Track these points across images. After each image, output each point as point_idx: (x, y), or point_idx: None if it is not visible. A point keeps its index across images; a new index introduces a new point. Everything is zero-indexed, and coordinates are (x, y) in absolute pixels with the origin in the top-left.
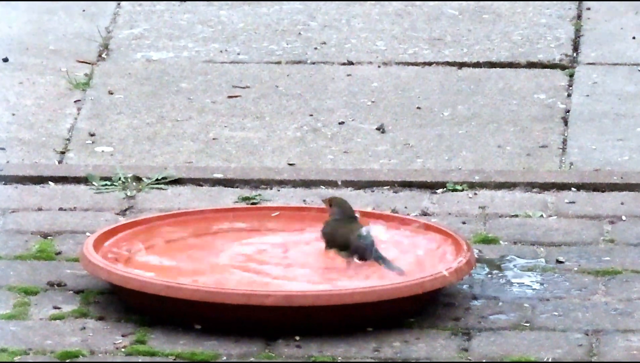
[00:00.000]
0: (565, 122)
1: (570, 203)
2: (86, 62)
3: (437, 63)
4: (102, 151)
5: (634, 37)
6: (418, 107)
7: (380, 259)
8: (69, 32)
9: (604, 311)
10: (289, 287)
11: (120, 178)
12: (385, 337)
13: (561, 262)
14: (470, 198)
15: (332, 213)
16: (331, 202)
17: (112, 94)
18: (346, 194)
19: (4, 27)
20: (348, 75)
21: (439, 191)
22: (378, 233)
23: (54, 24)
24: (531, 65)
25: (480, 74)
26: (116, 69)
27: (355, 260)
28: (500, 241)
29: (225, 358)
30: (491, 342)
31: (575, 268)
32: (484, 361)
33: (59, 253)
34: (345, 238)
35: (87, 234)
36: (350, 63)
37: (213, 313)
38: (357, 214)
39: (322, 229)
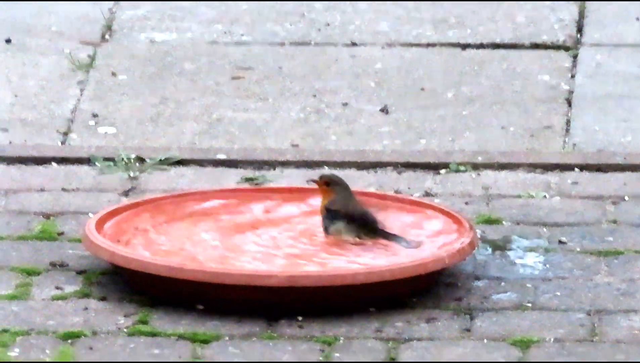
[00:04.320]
0: (569, 103)
1: (573, 183)
2: (89, 44)
3: (441, 44)
4: (105, 132)
5: (637, 18)
6: (422, 89)
7: (389, 235)
8: (72, 13)
9: (606, 292)
10: (292, 267)
11: (123, 159)
12: (388, 317)
13: (564, 242)
14: (473, 178)
15: (335, 192)
16: (329, 181)
17: (115, 75)
18: (349, 175)
19: (6, 8)
20: (352, 56)
21: (442, 171)
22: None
23: (57, 5)
24: (535, 46)
25: (484, 55)
26: (119, 51)
27: (358, 239)
28: (503, 222)
29: (227, 338)
30: (493, 322)
31: (578, 249)
32: (486, 341)
33: (61, 234)
34: (356, 214)
35: (90, 215)
36: (354, 44)
37: (215, 293)
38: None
39: (328, 210)
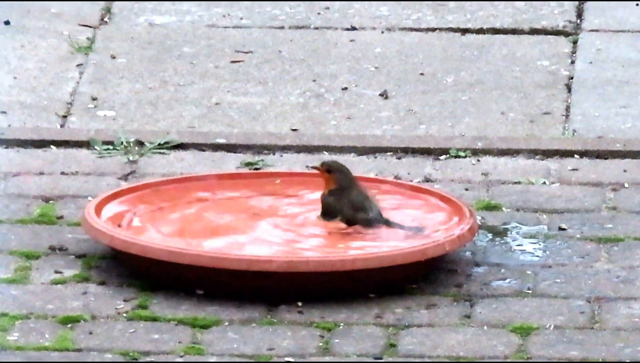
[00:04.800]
0: (569, 89)
1: (573, 170)
2: (88, 26)
3: (441, 29)
4: (105, 115)
5: (637, 4)
6: (421, 73)
7: (392, 224)
8: None
9: (606, 279)
10: (292, 253)
11: (122, 143)
12: (388, 303)
13: (563, 229)
14: (473, 164)
15: (336, 180)
16: (330, 168)
17: (114, 58)
18: (349, 160)
19: None
20: (351, 40)
21: (442, 157)
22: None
23: None
24: (535, 31)
25: (484, 40)
26: (119, 33)
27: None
28: (503, 208)
29: (227, 323)
30: (493, 308)
31: (578, 235)
32: (486, 327)
33: (60, 218)
34: (346, 213)
35: (89, 198)
36: (354, 28)
37: (215, 278)
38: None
39: (327, 199)
